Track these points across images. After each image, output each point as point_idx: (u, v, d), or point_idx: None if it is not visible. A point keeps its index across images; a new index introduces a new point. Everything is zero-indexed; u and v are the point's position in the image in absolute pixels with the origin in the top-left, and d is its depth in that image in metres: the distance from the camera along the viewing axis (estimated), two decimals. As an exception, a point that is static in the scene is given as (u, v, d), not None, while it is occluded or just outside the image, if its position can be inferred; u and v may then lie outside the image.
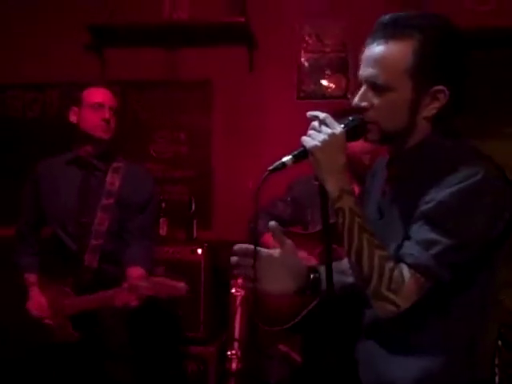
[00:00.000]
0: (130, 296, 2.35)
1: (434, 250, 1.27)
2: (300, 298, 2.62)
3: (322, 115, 1.33)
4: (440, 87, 1.32)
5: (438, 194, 1.28)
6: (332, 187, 1.32)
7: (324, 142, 1.29)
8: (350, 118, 1.37)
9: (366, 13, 3.52)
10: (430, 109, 1.34)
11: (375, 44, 1.34)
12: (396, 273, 1.28)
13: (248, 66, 3.64)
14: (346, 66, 3.60)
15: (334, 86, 3.61)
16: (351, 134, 1.35)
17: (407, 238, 1.32)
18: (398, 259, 1.30)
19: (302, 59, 3.63)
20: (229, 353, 3.03)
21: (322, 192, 1.36)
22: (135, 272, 2.54)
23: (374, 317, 1.41)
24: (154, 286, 2.32)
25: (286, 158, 1.32)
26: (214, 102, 3.70)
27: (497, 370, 2.57)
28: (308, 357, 2.69)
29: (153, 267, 2.66)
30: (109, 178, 2.63)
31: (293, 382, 2.76)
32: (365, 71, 1.36)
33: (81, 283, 2.53)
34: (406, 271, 1.28)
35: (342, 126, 1.33)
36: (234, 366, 3.02)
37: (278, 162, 1.32)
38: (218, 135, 3.70)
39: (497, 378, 2.55)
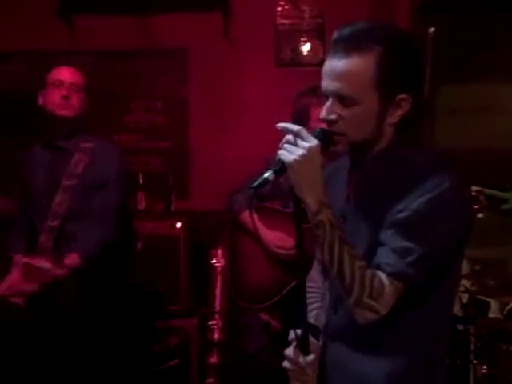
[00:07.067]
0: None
1: (410, 258, 1.32)
2: (280, 277, 2.63)
3: (295, 128, 1.32)
4: (404, 95, 1.37)
5: (410, 204, 1.33)
6: (312, 200, 1.32)
7: (303, 157, 1.29)
8: (319, 130, 1.38)
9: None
10: (395, 116, 1.38)
11: (337, 58, 1.35)
12: (376, 281, 1.32)
13: (223, 33, 3.57)
14: (322, 33, 3.53)
15: (310, 54, 3.55)
16: (323, 146, 1.34)
17: (378, 243, 1.36)
18: (375, 266, 1.34)
19: (278, 25, 3.56)
20: (210, 323, 3.04)
21: (297, 202, 1.36)
22: (69, 259, 2.50)
23: (343, 321, 1.46)
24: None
25: (267, 174, 1.32)
26: (190, 70, 3.62)
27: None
28: (288, 325, 2.69)
29: (99, 253, 2.54)
30: (75, 159, 2.59)
31: (273, 350, 2.77)
32: (330, 85, 1.37)
33: None
34: (384, 279, 1.32)
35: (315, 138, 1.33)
36: (215, 336, 3.03)
37: (260, 179, 1.32)
38: (194, 104, 3.63)
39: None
